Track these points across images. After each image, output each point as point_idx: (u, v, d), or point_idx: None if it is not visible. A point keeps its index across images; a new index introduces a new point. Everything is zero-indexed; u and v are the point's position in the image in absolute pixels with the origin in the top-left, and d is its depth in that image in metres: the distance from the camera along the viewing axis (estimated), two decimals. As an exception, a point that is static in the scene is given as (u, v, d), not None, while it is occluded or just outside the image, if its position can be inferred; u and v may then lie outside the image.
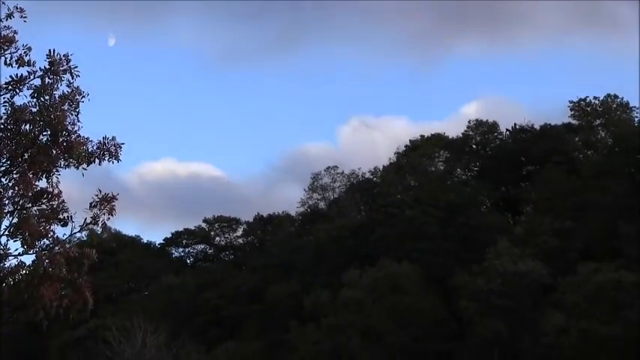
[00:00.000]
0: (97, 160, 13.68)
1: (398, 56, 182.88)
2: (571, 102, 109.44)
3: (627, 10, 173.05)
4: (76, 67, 13.23)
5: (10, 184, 13.00)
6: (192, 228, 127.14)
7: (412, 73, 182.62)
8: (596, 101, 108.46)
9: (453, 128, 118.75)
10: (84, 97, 13.50)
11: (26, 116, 13.04)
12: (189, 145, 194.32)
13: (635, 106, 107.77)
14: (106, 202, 13.94)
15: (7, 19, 12.88)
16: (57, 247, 13.24)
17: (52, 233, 13.48)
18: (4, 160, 12.94)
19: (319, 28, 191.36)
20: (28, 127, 12.97)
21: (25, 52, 13.28)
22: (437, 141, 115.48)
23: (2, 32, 13.12)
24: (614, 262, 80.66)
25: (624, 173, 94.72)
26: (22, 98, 13.06)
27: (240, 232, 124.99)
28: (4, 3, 13.06)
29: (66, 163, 13.33)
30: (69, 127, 13.21)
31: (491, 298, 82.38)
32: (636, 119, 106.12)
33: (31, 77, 13.10)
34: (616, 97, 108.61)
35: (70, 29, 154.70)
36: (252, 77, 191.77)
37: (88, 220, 13.83)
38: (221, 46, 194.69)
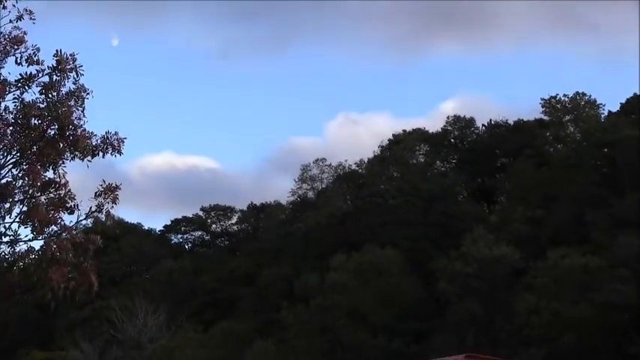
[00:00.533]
0: (100, 153, 13.69)
1: (381, 56, 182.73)
2: (542, 99, 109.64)
3: (594, 13, 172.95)
4: (81, 65, 13.26)
5: (20, 175, 13.00)
6: (190, 216, 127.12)
7: (395, 72, 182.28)
8: (566, 98, 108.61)
9: (433, 123, 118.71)
10: (88, 93, 13.55)
11: (35, 111, 13.04)
12: (187, 139, 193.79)
13: (601, 103, 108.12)
14: (109, 191, 13.96)
15: (17, 21, 12.88)
16: (64, 234, 13.24)
17: (59, 220, 13.49)
18: (14, 152, 12.92)
19: (309, 30, 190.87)
20: (36, 121, 12.97)
21: (34, 52, 13.28)
22: (418, 135, 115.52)
23: (13, 33, 13.09)
24: (581, 248, 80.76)
25: (591, 165, 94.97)
26: (32, 95, 13.08)
27: (234, 219, 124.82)
28: (14, 5, 13.06)
29: (72, 156, 13.33)
30: (75, 122, 13.22)
31: (467, 281, 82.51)
32: (602, 115, 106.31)
33: (40, 75, 13.10)
34: (584, 94, 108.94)
35: (76, 30, 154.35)
36: (246, 75, 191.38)
37: (93, 209, 13.84)
38: (216, 46, 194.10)
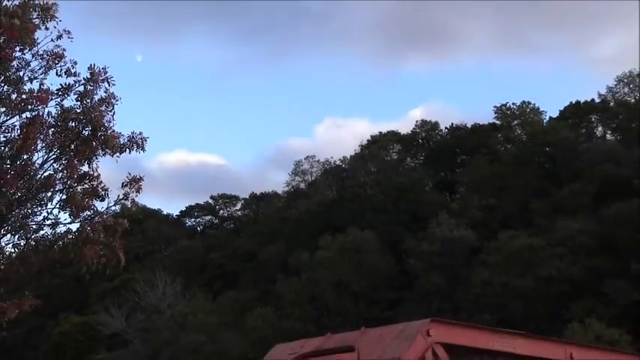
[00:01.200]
0: (127, 150, 13.66)
1: (361, 70, 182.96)
2: (495, 106, 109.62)
3: (539, 36, 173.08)
4: (112, 77, 13.25)
5: (60, 169, 12.97)
6: (202, 203, 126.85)
7: (372, 83, 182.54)
8: (514, 106, 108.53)
9: (404, 127, 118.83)
10: (117, 100, 13.53)
11: (72, 116, 13.01)
12: (198, 139, 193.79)
13: (544, 110, 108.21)
14: (134, 182, 13.94)
15: (57, 40, 12.87)
16: (96, 218, 13.23)
17: (92, 207, 13.47)
18: (55, 150, 12.89)
19: (300, 48, 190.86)
20: (73, 124, 12.94)
21: (71, 66, 13.25)
22: (391, 137, 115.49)
23: (54, 50, 13.07)
24: (526, 231, 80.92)
25: (535, 162, 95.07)
26: (70, 102, 13.05)
27: (238, 206, 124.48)
28: (55, 27, 13.03)
29: (103, 153, 13.31)
30: (105, 124, 13.21)
31: (432, 258, 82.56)
32: (544, 120, 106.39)
33: (76, 85, 13.06)
34: (529, 102, 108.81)
35: (108, 48, 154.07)
36: (248, 85, 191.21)
37: (121, 197, 13.83)
38: (225, 60, 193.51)
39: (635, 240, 75.64)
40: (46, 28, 12.37)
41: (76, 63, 13.40)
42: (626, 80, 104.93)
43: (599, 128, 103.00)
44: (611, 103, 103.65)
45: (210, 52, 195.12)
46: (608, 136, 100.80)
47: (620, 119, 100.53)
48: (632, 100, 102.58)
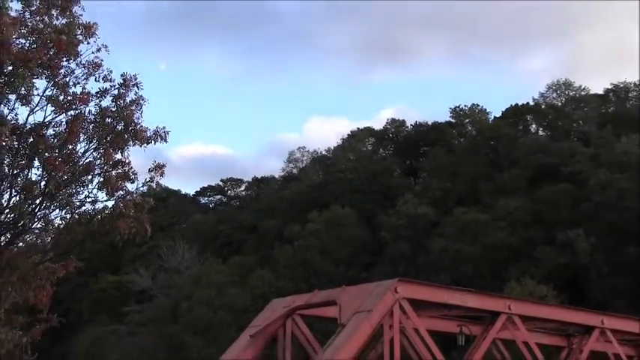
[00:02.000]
0: (152, 142, 13.61)
1: (342, 78, 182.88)
2: (450, 108, 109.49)
3: (485, 51, 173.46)
4: (141, 82, 13.18)
5: (99, 157, 12.92)
6: (213, 185, 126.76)
7: (351, 88, 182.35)
8: (466, 107, 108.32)
9: (377, 124, 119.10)
10: (145, 101, 13.46)
11: (108, 114, 12.96)
12: (210, 133, 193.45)
13: (489, 111, 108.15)
14: (158, 168, 13.87)
15: (96, 52, 12.81)
16: (128, 196, 13.18)
17: (124, 187, 13.43)
18: (94, 141, 12.85)
19: (293, 59, 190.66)
20: (109, 120, 12.89)
21: (108, 73, 13.18)
22: (367, 132, 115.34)
23: (94, 60, 13.01)
24: (475, 207, 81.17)
25: (482, 152, 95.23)
26: (106, 102, 12.99)
27: (243, 187, 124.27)
28: (95, 42, 12.97)
29: (133, 144, 13.23)
30: (135, 121, 13.14)
31: (399, 230, 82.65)
32: (490, 119, 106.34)
33: (112, 89, 13.01)
34: (478, 105, 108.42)
35: (137, 57, 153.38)
36: (251, 90, 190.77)
37: (147, 180, 13.77)
38: (231, 69, 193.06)
39: (560, 215, 76.18)
40: (88, 43, 12.31)
41: (111, 71, 13.35)
42: (554, 87, 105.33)
43: (533, 126, 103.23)
44: (543, 106, 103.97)
45: (221, 64, 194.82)
46: (540, 132, 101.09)
47: (549, 119, 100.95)
48: (559, 104, 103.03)
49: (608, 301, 62.70)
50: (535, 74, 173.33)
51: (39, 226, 12.57)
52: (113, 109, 13.04)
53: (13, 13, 11.58)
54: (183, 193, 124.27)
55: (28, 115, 12.19)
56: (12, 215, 11.89)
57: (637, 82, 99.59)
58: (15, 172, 11.97)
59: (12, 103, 11.99)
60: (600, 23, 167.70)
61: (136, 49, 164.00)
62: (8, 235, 12.06)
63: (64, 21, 12.05)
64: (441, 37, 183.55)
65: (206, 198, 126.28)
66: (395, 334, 24.20)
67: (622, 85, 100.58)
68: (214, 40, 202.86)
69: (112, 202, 12.93)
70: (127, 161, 13.43)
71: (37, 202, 12.25)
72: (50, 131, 12.37)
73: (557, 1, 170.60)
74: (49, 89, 12.32)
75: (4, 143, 11.50)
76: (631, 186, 73.99)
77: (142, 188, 13.74)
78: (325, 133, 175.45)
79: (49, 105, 12.37)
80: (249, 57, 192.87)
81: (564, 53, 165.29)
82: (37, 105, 12.18)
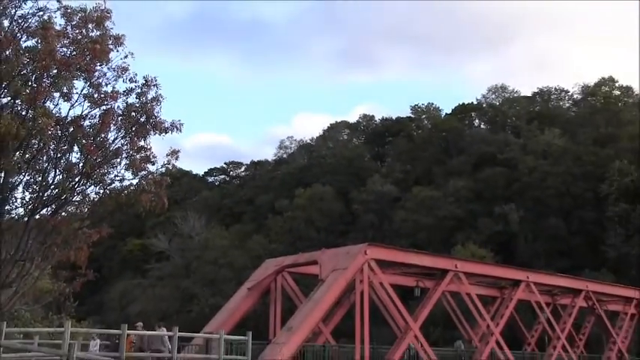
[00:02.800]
0: (169, 132, 13.53)
1: (323, 80, 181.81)
2: (411, 105, 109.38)
3: (438, 59, 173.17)
4: (160, 83, 13.08)
5: (125, 143, 12.84)
6: (218, 167, 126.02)
7: (330, 89, 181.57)
8: (423, 105, 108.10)
9: (351, 118, 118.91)
10: (163, 99, 13.37)
11: (133, 109, 12.85)
12: (217, 124, 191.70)
13: (442, 108, 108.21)
14: (173, 153, 13.81)
15: (124, 58, 12.69)
16: (149, 176, 13.10)
17: (147, 168, 13.35)
18: (122, 131, 12.76)
19: (286, 66, 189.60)
20: (134, 114, 12.78)
21: (133, 76, 13.07)
22: (343, 125, 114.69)
23: (122, 65, 12.90)
24: (430, 186, 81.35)
25: (436, 142, 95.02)
26: (132, 99, 12.89)
27: (242, 169, 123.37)
28: (122, 51, 12.85)
29: (154, 133, 13.13)
30: (155, 114, 13.04)
31: (369, 204, 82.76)
32: (442, 115, 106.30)
33: (136, 88, 12.90)
34: (432, 103, 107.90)
35: (157, 61, 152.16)
36: (249, 90, 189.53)
37: (165, 162, 13.70)
38: (234, 73, 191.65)
39: (497, 193, 76.64)
40: (117, 51, 12.20)
41: (136, 74, 13.25)
42: (493, 90, 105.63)
43: (476, 121, 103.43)
44: (484, 105, 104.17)
45: (224, 68, 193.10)
46: (482, 126, 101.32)
47: (489, 115, 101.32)
48: (497, 103, 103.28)
49: (532, 261, 63.38)
50: (478, 79, 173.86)
51: (78, 199, 12.51)
52: (137, 105, 12.94)
53: (57, 27, 11.49)
54: (194, 173, 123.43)
55: (69, 110, 12.12)
56: (56, 190, 11.85)
57: (557, 87, 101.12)
58: (58, 155, 11.92)
59: (56, 99, 11.92)
60: (529, 37, 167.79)
61: (158, 55, 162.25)
62: (53, 207, 12.01)
63: (98, 33, 11.95)
64: (404, 48, 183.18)
65: (212, 177, 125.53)
66: (364, 287, 24.44)
67: (545, 89, 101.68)
68: (220, 49, 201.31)
69: (137, 180, 12.86)
70: (149, 147, 13.37)
71: (76, 180, 12.19)
72: (86, 122, 12.29)
73: (497, 17, 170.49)
74: (85, 88, 12.25)
75: (49, 132, 11.42)
76: (552, 170, 74.75)
77: (160, 169, 13.69)
78: (309, 125, 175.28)
79: (86, 101, 12.31)
80: (248, 62, 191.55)
81: (501, 62, 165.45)
82: (76, 101, 12.11)
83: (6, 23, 11.06)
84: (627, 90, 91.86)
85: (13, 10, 11.18)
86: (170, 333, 20.12)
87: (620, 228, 66.47)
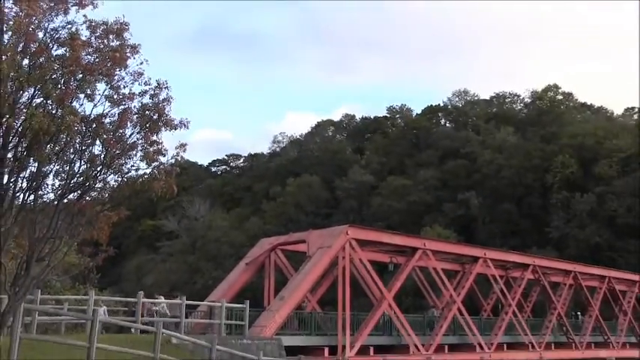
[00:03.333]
0: (178, 128, 13.41)
1: (311, 84, 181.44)
2: (387, 107, 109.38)
3: (411, 68, 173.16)
4: (170, 86, 12.99)
5: (140, 138, 12.75)
6: (220, 158, 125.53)
7: (317, 91, 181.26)
8: (397, 106, 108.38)
9: (335, 116, 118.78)
10: (173, 99, 13.26)
11: (147, 108, 12.75)
12: (219, 121, 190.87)
13: (414, 109, 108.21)
14: (182, 146, 13.67)
15: (140, 64, 12.60)
16: (161, 166, 13.03)
17: (158, 159, 13.25)
18: (137, 127, 12.68)
19: (279, 70, 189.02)
20: (148, 112, 12.70)
21: (147, 80, 12.97)
22: (328, 123, 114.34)
23: (137, 70, 12.81)
24: (402, 176, 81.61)
25: (408, 138, 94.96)
26: (146, 99, 12.75)
27: (241, 160, 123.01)
28: (138, 57, 12.76)
29: (165, 129, 13.03)
30: (166, 113, 12.94)
31: (350, 191, 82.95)
32: (414, 115, 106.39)
33: (150, 90, 12.80)
34: (405, 104, 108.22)
35: (166, 66, 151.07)
36: (247, 91, 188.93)
37: (174, 154, 13.62)
38: (231, 77, 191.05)
39: (459, 182, 77.04)
40: (134, 58, 12.12)
41: (150, 78, 13.16)
42: (456, 94, 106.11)
43: (443, 120, 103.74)
44: (449, 106, 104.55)
45: (227, 72, 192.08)
46: (447, 125, 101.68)
47: (453, 115, 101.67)
48: (460, 105, 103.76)
49: (489, 240, 63.95)
50: (444, 84, 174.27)
51: (99, 186, 12.43)
52: (150, 105, 12.82)
53: (83, 38, 11.50)
54: (199, 164, 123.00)
55: (92, 109, 12.02)
56: (81, 178, 11.82)
57: (510, 92, 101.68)
58: (83, 148, 11.87)
59: (81, 100, 11.86)
60: (489, 49, 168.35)
61: (169, 60, 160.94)
62: (79, 192, 11.99)
63: (117, 43, 11.89)
64: (382, 57, 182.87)
65: (215, 168, 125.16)
66: (346, 262, 24.59)
67: (501, 94, 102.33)
68: (222, 56, 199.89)
69: (150, 170, 12.76)
70: (160, 141, 13.25)
71: (98, 169, 12.14)
72: (107, 120, 12.18)
73: (461, 32, 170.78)
74: (106, 90, 12.15)
75: (75, 128, 11.40)
76: (506, 163, 75.28)
77: (170, 160, 13.62)
78: (299, 123, 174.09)
79: (107, 101, 12.21)
80: (246, 68, 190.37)
81: (464, 70, 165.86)
82: (98, 101, 12.01)
83: (40, 35, 11.10)
84: (569, 95, 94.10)
85: (47, 24, 11.25)
86: (179, 301, 20.31)
87: (562, 212, 67.36)
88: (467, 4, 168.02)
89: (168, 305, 19.55)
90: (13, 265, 12.25)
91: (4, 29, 10.97)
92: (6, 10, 10.95)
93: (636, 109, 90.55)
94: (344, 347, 22.73)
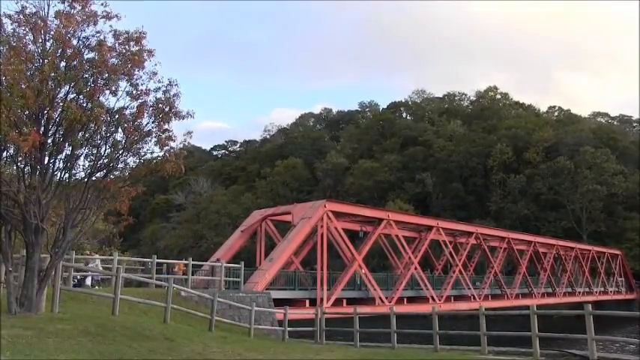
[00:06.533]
0: (185, 118, 13.29)
1: (294, 85, 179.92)
2: (359, 102, 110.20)
3: (379, 71, 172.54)
4: (179, 84, 12.86)
5: (154, 127, 12.66)
6: (220, 144, 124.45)
7: (300, 90, 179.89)
8: (367, 102, 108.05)
9: (316, 110, 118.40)
10: (181, 95, 13.14)
11: (161, 102, 12.67)
12: (218, 114, 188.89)
13: (381, 104, 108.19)
14: (188, 133, 13.56)
15: (154, 66, 12.48)
16: (171, 150, 12.97)
17: (169, 144, 13.16)
18: (152, 117, 12.57)
19: (267, 74, 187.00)
20: (161, 105, 12.58)
21: (161, 78, 12.84)
22: (310, 115, 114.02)
23: (153, 70, 12.69)
24: (371, 160, 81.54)
25: (375, 129, 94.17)
26: (159, 94, 12.62)
27: (238, 145, 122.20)
28: (152, 60, 12.59)
29: (174, 119, 12.93)
30: (176, 106, 12.85)
31: (327, 172, 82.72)
32: (380, 109, 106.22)
33: (162, 87, 12.68)
34: (373, 100, 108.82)
35: (176, 66, 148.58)
36: (242, 91, 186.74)
37: (182, 140, 13.53)
38: (226, 79, 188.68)
39: (417, 165, 77.39)
40: (150, 60, 12.01)
41: (163, 77, 13.06)
42: (416, 92, 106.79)
43: (404, 114, 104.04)
44: (410, 102, 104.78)
45: (224, 74, 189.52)
46: (408, 117, 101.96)
47: (412, 110, 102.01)
48: (419, 101, 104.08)
49: (441, 212, 64.74)
50: (406, 84, 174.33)
51: (121, 166, 12.43)
52: (163, 99, 12.74)
53: (109, 44, 11.48)
54: (203, 148, 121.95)
55: (115, 102, 11.99)
56: (106, 160, 11.85)
57: (459, 91, 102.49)
58: (108, 135, 11.88)
59: (107, 95, 11.82)
60: (442, 58, 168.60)
61: (178, 62, 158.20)
62: (104, 172, 12.04)
63: (136, 48, 11.83)
64: (354, 63, 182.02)
65: (216, 151, 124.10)
66: (324, 230, 24.86)
67: (452, 93, 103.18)
68: (220, 61, 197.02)
69: (162, 153, 12.71)
70: (171, 129, 13.20)
71: (120, 152, 12.15)
72: (127, 112, 12.10)
73: (418, 44, 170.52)
74: (127, 87, 12.11)
75: (102, 118, 11.43)
76: (455, 149, 75.88)
77: (179, 145, 13.58)
78: (285, 115, 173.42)
79: (127, 96, 12.15)
80: (243, 69, 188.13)
81: (422, 73, 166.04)
82: (120, 96, 11.94)
83: (74, 42, 11.09)
84: (505, 95, 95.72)
85: (80, 33, 11.28)
86: (185, 261, 20.46)
87: (500, 190, 68.52)
88: (428, 19, 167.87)
89: (101, 262, 19.53)
90: (53, 230, 12.34)
91: (47, 38, 11.05)
92: (48, 23, 11.05)
93: (557, 107, 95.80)
94: (322, 299, 23.10)
